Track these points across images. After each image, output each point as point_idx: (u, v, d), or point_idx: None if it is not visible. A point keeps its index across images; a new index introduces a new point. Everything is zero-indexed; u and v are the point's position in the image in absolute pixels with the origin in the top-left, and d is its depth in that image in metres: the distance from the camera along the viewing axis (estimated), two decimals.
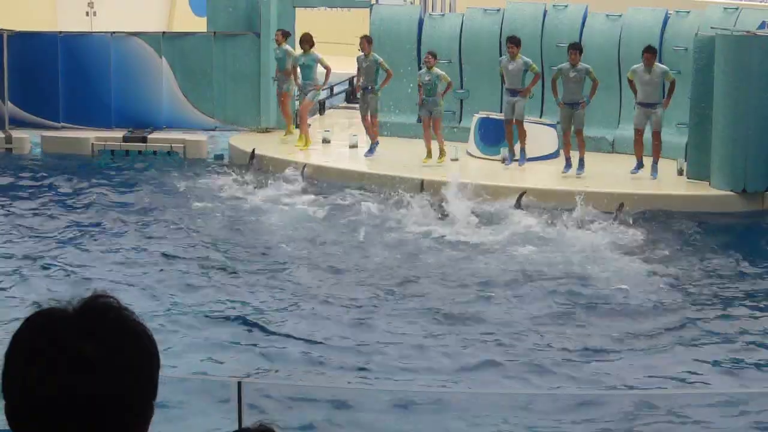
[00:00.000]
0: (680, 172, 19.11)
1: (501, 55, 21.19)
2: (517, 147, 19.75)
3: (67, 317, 2.00)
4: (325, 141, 21.21)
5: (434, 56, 19.99)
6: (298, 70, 21.59)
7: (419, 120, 20.78)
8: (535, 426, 9.31)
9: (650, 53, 18.92)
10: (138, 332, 2.03)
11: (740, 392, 10.53)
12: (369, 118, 20.52)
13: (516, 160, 19.75)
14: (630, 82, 19.09)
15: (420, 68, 21.98)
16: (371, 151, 20.40)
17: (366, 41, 20.85)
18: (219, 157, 21.80)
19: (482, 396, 9.95)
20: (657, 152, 18.88)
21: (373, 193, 18.25)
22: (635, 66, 19.09)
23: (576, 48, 19.33)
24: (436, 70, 19.82)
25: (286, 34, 21.84)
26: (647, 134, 18.95)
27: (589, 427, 9.25)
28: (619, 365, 11.46)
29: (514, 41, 19.66)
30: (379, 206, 17.56)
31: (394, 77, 20.94)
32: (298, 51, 21.62)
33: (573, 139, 19.22)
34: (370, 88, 20.49)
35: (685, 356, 11.73)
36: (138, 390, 2.00)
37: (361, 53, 20.98)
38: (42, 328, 2.00)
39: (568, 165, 19.15)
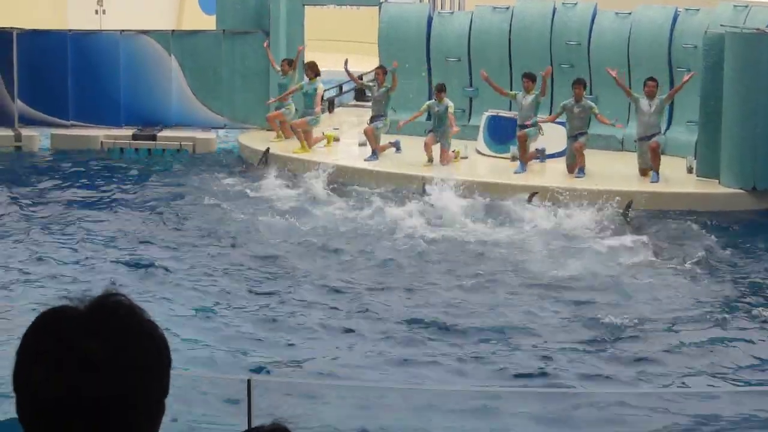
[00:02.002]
0: (690, 170, 19.09)
1: (509, 55, 21.31)
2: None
3: (76, 316, 1.99)
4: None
5: (444, 90, 19.99)
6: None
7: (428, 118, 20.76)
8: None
9: (653, 81, 18.94)
10: (147, 331, 2.02)
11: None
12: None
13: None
14: (630, 94, 19.08)
15: (429, 68, 22.06)
16: (373, 156, 20.30)
17: (381, 72, 20.80)
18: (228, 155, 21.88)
19: (492, 394, 9.94)
20: (657, 162, 18.79)
21: (384, 191, 18.27)
22: (638, 95, 19.06)
23: (581, 83, 19.28)
24: (446, 101, 19.86)
25: (291, 63, 21.85)
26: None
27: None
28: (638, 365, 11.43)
29: (530, 77, 19.64)
30: (391, 204, 17.56)
31: (404, 76, 20.93)
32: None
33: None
34: (379, 116, 20.49)
35: (706, 357, 11.67)
36: (144, 389, 1.98)
37: (373, 83, 20.97)
38: (50, 327, 1.99)
39: (581, 172, 19.12)
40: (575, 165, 19.05)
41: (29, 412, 1.97)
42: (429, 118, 20.75)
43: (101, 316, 1.99)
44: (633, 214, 17.03)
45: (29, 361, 1.97)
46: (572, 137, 19.21)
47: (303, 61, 22.13)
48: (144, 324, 2.02)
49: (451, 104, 19.96)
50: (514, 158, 19.84)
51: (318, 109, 21.42)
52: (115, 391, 1.94)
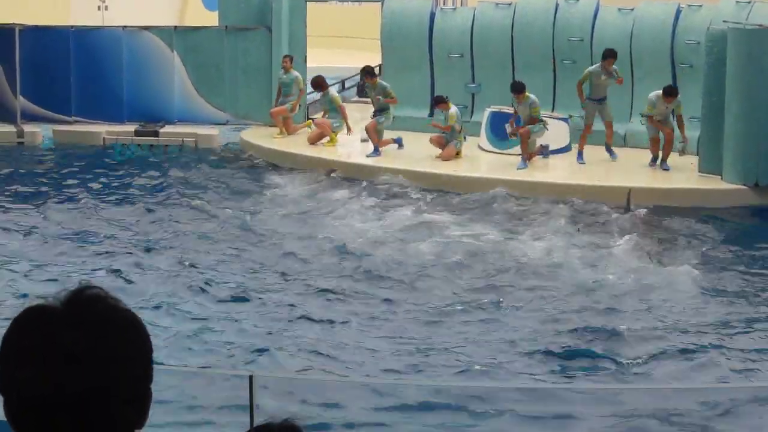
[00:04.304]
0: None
1: (512, 51, 21.37)
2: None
3: (54, 311, 2.00)
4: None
5: (442, 101, 19.96)
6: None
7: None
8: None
9: (677, 93, 18.98)
10: (127, 321, 2.03)
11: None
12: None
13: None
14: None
15: (432, 64, 22.09)
16: (375, 152, 20.29)
17: (368, 76, 20.85)
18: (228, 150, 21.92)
19: (491, 392, 9.93)
20: (668, 150, 18.87)
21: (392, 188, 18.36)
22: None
23: (612, 56, 19.27)
24: (451, 108, 19.81)
25: (293, 60, 21.85)
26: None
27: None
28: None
29: (516, 88, 19.65)
30: (402, 203, 17.60)
31: (406, 72, 20.94)
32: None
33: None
34: (381, 111, 20.55)
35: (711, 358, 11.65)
36: (127, 379, 1.99)
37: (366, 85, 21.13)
38: (30, 324, 2.00)
39: (581, 157, 19.14)
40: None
41: (16, 411, 1.97)
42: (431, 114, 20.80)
43: (78, 309, 2.00)
44: (634, 209, 17.01)
45: (12, 360, 1.98)
46: (595, 100, 19.20)
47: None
48: (123, 314, 2.03)
49: (452, 112, 19.87)
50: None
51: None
52: (97, 383, 1.95)
